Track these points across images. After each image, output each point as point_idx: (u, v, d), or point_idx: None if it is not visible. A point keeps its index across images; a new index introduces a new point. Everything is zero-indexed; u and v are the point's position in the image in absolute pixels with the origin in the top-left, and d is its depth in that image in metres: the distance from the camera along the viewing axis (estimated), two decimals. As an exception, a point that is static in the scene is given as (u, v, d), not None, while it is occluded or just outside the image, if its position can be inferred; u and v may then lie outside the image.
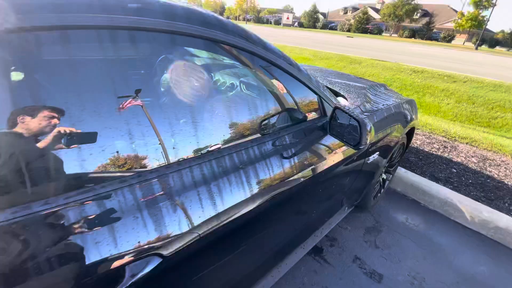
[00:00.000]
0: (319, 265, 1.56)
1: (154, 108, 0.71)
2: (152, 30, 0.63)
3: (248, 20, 55.65)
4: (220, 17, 0.77)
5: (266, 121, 1.01)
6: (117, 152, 0.60)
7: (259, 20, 54.64)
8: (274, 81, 0.97)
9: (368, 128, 0.90)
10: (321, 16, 51.45)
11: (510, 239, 1.80)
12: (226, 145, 0.83)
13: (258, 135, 0.96)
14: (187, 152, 0.74)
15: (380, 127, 1.40)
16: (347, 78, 1.97)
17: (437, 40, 39.98)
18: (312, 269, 1.54)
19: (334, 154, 1.14)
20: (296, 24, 51.23)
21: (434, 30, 43.73)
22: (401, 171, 2.35)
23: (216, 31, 0.73)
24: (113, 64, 0.63)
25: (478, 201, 2.05)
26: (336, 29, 45.41)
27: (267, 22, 53.97)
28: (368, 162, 1.40)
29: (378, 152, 1.47)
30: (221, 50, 0.78)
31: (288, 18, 52.62)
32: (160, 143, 0.68)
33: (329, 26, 47.50)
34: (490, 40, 43.25)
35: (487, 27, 38.03)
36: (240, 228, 0.84)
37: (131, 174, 0.62)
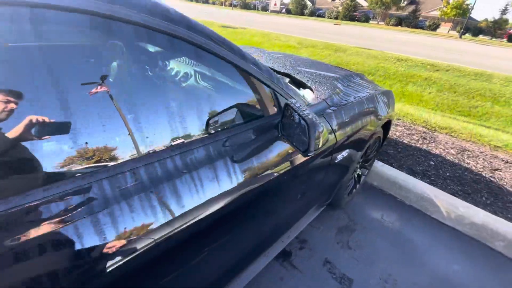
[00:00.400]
0: (286, 271, 1.45)
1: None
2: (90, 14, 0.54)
3: (235, 6, 54.08)
4: None
5: (214, 119, 0.86)
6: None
7: (246, 6, 53.14)
8: (211, 72, 0.81)
9: (320, 130, 0.76)
10: (309, 3, 50.56)
11: (485, 235, 1.75)
12: (168, 147, 0.71)
13: (206, 134, 0.81)
14: (117, 156, 0.60)
15: (349, 122, 1.27)
16: (320, 68, 1.82)
17: (422, 28, 40.19)
18: (279, 276, 1.42)
19: (295, 153, 1.00)
20: (283, 10, 50.20)
21: (420, 18, 43.85)
22: (378, 165, 2.26)
23: (115, 4, 0.55)
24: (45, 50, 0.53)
25: (455, 196, 1.98)
26: (324, 16, 44.80)
27: (255, 8, 52.60)
28: (337, 160, 1.28)
29: (348, 149, 1.35)
30: (125, 31, 0.60)
31: (275, 4, 51.51)
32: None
33: (317, 13, 46.77)
34: (473, 29, 43.89)
35: (471, 15, 38.50)
36: (190, 239, 0.74)
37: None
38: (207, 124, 0.84)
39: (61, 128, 0.53)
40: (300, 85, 1.44)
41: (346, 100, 1.32)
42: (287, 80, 1.44)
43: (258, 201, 0.98)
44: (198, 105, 0.85)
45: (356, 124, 1.32)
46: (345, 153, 1.32)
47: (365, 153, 1.82)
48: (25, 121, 0.47)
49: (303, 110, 0.78)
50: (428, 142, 2.81)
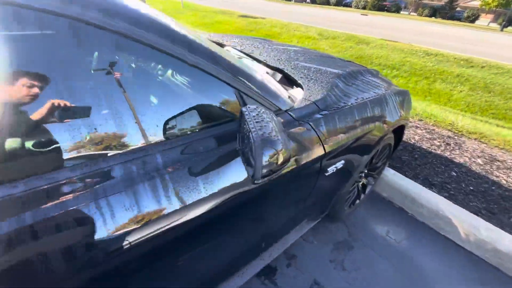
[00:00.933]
0: (267, 291, 1.29)
1: None
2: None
3: (259, -5, 53.04)
4: None
5: (172, 122, 0.71)
6: None
7: (270, -4, 51.92)
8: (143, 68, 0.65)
9: (279, 149, 0.57)
10: (336, -8, 48.32)
11: (510, 264, 1.48)
12: (114, 153, 0.61)
13: (162, 138, 0.67)
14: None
15: (345, 129, 1.06)
16: (324, 62, 1.59)
17: (459, 19, 37.18)
18: (258, 296, 1.27)
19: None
20: (308, 0, 48.52)
21: (458, 9, 40.62)
22: (389, 173, 2.01)
23: None
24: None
25: (477, 215, 1.71)
26: (351, 6, 42.74)
27: (279, -3, 51.25)
28: (328, 173, 1.08)
29: (344, 159, 1.14)
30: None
31: (300, -7, 49.82)
32: None
33: (343, 2, 44.75)
34: (518, 21, 39.95)
35: (516, 6, 35.00)
36: (151, 258, 0.67)
37: None
38: (165, 129, 0.69)
39: (82, 112, 0.54)
40: (294, 83, 1.24)
41: (344, 102, 1.11)
42: (279, 76, 1.25)
43: (230, 216, 0.83)
44: (149, 107, 0.70)
45: (354, 132, 1.10)
46: (340, 164, 1.12)
47: (370, 161, 1.60)
48: (47, 104, 0.49)
49: (257, 121, 0.60)
50: (451, 148, 2.49)
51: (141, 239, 0.61)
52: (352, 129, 1.09)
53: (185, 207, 0.66)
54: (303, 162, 0.89)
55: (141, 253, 0.63)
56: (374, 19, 20.26)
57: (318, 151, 0.94)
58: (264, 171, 0.57)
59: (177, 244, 0.73)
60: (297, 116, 0.92)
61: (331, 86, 1.16)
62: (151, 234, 0.62)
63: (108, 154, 0.59)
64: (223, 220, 0.82)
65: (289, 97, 1.01)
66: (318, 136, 0.93)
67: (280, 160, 0.59)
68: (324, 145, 0.95)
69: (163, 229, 0.63)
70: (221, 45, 1.53)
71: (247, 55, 1.42)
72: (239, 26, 9.20)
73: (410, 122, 3.02)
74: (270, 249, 1.21)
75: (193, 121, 0.72)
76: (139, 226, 0.59)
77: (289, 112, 0.91)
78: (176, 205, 0.64)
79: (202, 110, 0.73)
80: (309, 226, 1.39)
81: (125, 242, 0.58)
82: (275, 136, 0.58)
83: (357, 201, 1.75)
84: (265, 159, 0.56)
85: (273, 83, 1.01)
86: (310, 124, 0.92)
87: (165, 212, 0.63)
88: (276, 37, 8.20)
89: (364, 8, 40.17)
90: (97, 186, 0.55)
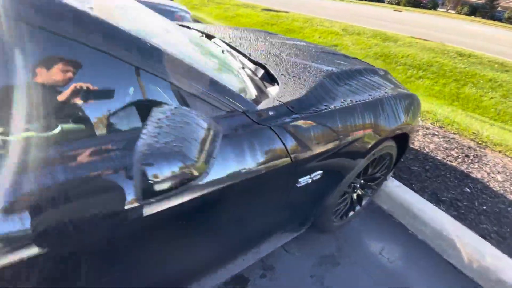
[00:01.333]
0: (235, 303, 1.21)
1: None
2: None
3: (288, -11, 51.98)
4: None
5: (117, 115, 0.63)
6: None
7: (299, -11, 50.66)
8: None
9: (186, 163, 0.47)
10: (368, -14, 46.11)
11: (517, 300, 1.29)
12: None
13: (104, 130, 0.61)
14: None
15: (323, 136, 0.93)
16: (321, 59, 1.44)
17: (500, 20, 34.08)
18: (224, 308, 1.19)
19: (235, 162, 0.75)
20: (339, -6, 46.74)
21: (499, 8, 37.25)
22: (393, 184, 1.84)
23: None
24: None
25: (486, 239, 1.51)
26: (383, 1, 40.67)
27: (308, -9, 49.92)
28: (300, 184, 0.96)
29: (323, 170, 1.01)
30: None
31: (331, -13, 48.10)
32: None
33: (376, -2, 42.61)
34: None
35: None
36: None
37: None
38: (109, 122, 0.62)
39: (107, 94, 0.58)
40: (275, 80, 1.12)
41: (326, 105, 0.98)
42: (261, 72, 1.14)
43: (179, 222, 0.75)
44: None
45: (336, 139, 0.97)
46: (316, 175, 0.99)
47: (365, 171, 1.45)
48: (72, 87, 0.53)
49: (159, 125, 0.50)
50: (470, 161, 2.25)
51: (93, 236, 0.58)
52: (332, 136, 0.96)
53: (131, 209, 0.60)
54: (262, 172, 0.79)
55: (88, 251, 0.60)
56: (407, 16, 19.15)
57: (283, 161, 0.83)
58: (151, 187, 0.47)
59: (119, 245, 0.66)
60: (259, 118, 0.81)
61: (314, 86, 1.03)
62: (102, 231, 0.59)
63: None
64: (170, 225, 0.74)
65: (258, 96, 0.90)
66: (283, 144, 0.82)
67: (188, 176, 0.49)
68: (291, 154, 0.84)
69: (109, 228, 0.60)
70: (210, 37, 1.44)
71: (232, 48, 1.31)
72: (260, 20, 9.02)
73: (428, 128, 2.77)
74: (238, 259, 1.13)
75: (127, 121, 0.63)
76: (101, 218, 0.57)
77: (248, 114, 0.80)
78: (120, 206, 0.59)
79: (138, 109, 0.64)
80: (287, 238, 1.28)
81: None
82: (176, 147, 0.48)
83: (351, 213, 1.61)
84: (150, 174, 0.46)
85: (238, 80, 0.90)
86: (272, 129, 0.81)
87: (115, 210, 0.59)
88: (298, 31, 7.95)
89: (398, 4, 38.05)
90: None
